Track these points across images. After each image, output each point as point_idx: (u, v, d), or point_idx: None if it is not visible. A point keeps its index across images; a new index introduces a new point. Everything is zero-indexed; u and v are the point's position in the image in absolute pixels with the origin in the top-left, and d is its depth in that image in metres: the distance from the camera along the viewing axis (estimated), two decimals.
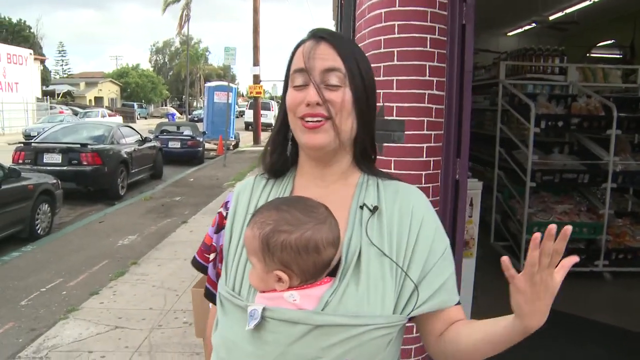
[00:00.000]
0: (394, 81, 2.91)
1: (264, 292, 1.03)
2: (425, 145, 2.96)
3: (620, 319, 4.44)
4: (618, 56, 11.25)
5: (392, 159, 2.96)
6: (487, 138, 6.51)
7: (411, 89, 2.90)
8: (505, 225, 6.00)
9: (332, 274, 1.04)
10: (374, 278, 1.02)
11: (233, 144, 20.90)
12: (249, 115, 30.62)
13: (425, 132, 2.96)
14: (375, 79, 3.10)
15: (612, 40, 11.12)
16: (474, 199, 3.96)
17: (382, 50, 2.93)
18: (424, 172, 2.98)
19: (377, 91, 2.97)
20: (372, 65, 2.97)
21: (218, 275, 1.20)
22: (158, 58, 76.12)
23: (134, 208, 9.29)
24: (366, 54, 3.12)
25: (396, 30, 2.87)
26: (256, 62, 22.59)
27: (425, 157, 2.98)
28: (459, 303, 1.12)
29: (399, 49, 2.88)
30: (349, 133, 1.12)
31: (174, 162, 15.18)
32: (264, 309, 0.99)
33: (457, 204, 3.14)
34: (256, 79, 22.47)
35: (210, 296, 1.24)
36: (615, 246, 5.45)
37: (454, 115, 3.06)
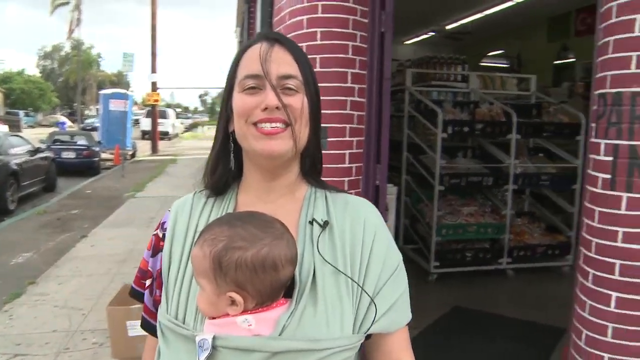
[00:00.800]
0: None
1: (213, 318, 0.95)
2: (347, 151, 2.97)
3: (525, 312, 4.70)
4: (506, 65, 12.05)
5: None
6: (394, 144, 6.66)
7: (333, 95, 2.90)
8: (414, 228, 6.17)
9: (286, 295, 0.97)
10: (331, 298, 0.97)
11: (130, 153, 20.11)
12: (145, 124, 29.63)
13: (347, 138, 2.97)
14: None
15: (501, 51, 11.88)
16: (389, 204, 4.02)
17: None
18: (346, 179, 2.99)
19: None
20: None
21: (156, 303, 1.10)
22: (46, 63, 71.86)
23: (26, 223, 8.65)
24: None
25: (318, 37, 2.86)
26: (154, 69, 21.92)
27: (348, 164, 2.99)
28: (409, 324, 1.08)
29: (321, 55, 2.87)
30: (304, 142, 1.05)
31: (69, 173, 14.30)
32: (214, 337, 0.91)
33: (378, 209, 3.17)
34: (154, 87, 21.82)
35: (148, 327, 1.14)
36: (516, 244, 5.76)
37: (374, 122, 3.10)
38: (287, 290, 0.97)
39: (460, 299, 4.95)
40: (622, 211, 2.22)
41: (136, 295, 1.18)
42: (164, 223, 1.14)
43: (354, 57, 2.93)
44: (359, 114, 3.01)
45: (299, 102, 1.01)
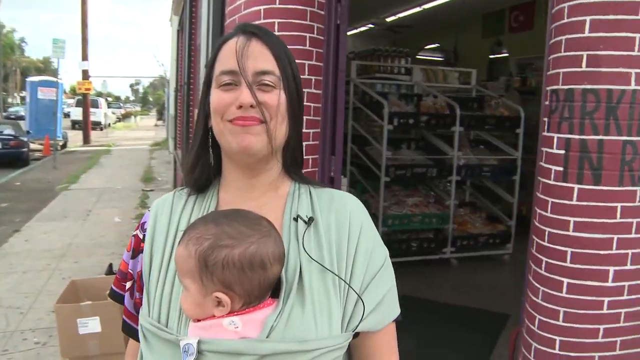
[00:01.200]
0: None
1: (198, 320, 0.91)
2: (304, 143, 2.95)
3: (470, 300, 4.86)
4: (440, 59, 12.38)
5: None
6: None
7: None
8: None
9: (273, 294, 0.95)
10: (318, 297, 0.95)
11: (61, 144, 19.35)
12: (75, 113, 28.54)
13: (304, 130, 2.95)
14: None
15: (437, 45, 12.18)
16: None
17: None
18: (303, 171, 2.98)
19: None
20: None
21: (137, 305, 1.07)
22: None
23: None
24: None
25: (276, 28, 2.83)
26: (85, 57, 21.10)
27: (305, 156, 2.97)
28: (398, 318, 1.07)
29: None
30: (282, 139, 1.02)
31: None
32: (199, 341, 0.88)
33: None
34: (85, 75, 21.03)
35: (130, 330, 1.10)
36: (459, 234, 5.94)
37: (329, 114, 3.12)
38: (274, 289, 0.95)
39: (408, 288, 5.05)
40: (574, 202, 2.32)
41: (116, 297, 1.15)
42: (143, 223, 1.11)
43: (312, 48, 2.92)
44: (315, 106, 3.01)
45: (274, 99, 0.99)
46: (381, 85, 6.31)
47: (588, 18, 2.26)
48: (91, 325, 3.02)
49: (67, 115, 29.11)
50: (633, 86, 2.24)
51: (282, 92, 1.00)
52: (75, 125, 28.51)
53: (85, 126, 22.45)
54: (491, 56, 10.71)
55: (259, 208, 1.01)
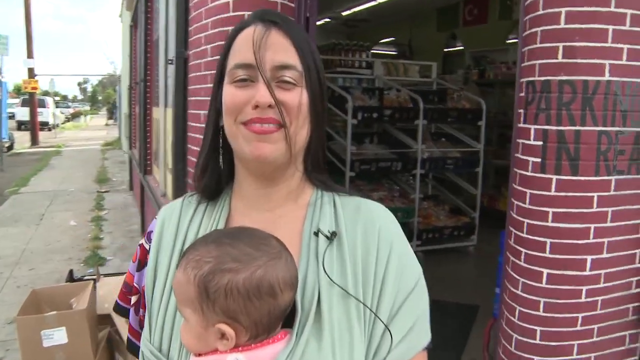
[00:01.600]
0: None
1: (200, 354, 0.81)
2: None
3: (438, 292, 4.88)
4: (394, 53, 12.48)
5: None
6: None
7: None
8: None
9: (286, 323, 0.83)
10: (339, 329, 0.82)
11: (7, 145, 18.64)
12: (21, 114, 27.54)
13: None
14: None
15: (392, 38, 12.26)
16: None
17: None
18: None
19: None
20: (216, 57, 2.80)
21: (141, 323, 0.98)
22: None
23: None
24: (210, 45, 2.93)
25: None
26: (30, 54, 20.37)
27: None
28: (428, 346, 0.93)
29: None
30: (302, 144, 0.90)
31: None
32: None
33: None
34: (31, 73, 20.32)
35: (133, 348, 1.01)
36: (424, 227, 5.98)
37: None
38: (287, 317, 0.83)
39: None
40: (552, 192, 2.34)
41: (120, 310, 1.04)
42: (150, 232, 1.00)
43: None
44: None
45: (295, 98, 0.86)
46: (342, 79, 6.29)
47: (563, 10, 2.28)
48: (57, 336, 2.87)
49: (12, 116, 28.09)
50: (607, 77, 2.27)
51: (304, 90, 0.88)
52: (21, 126, 27.54)
53: (32, 127, 21.66)
54: (446, 49, 10.86)
55: (275, 221, 0.92)
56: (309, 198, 0.95)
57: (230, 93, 0.87)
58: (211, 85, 0.96)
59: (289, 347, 0.79)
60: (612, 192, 2.35)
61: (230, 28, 2.68)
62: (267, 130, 0.84)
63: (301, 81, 0.87)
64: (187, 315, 0.80)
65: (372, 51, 11.40)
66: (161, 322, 0.88)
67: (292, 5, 2.88)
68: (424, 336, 0.91)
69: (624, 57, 2.27)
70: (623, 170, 2.35)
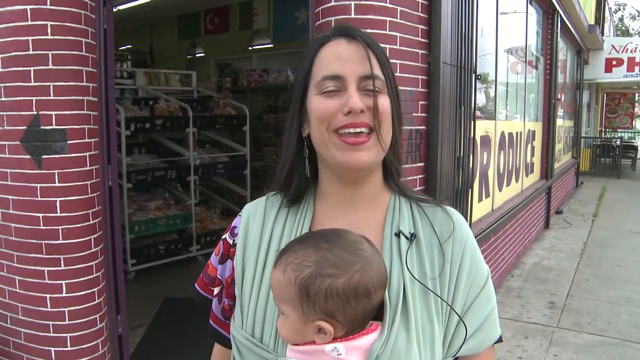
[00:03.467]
0: (51, 87, 2.67)
1: (297, 344, 0.88)
2: (87, 153, 2.84)
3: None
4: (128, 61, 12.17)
5: (56, 171, 2.73)
6: None
7: (71, 95, 2.72)
8: None
9: (375, 317, 0.90)
10: (422, 321, 0.90)
11: None
12: None
13: (86, 140, 2.83)
14: (27, 84, 2.80)
15: (130, 46, 11.95)
16: None
17: (31, 52, 2.63)
18: (89, 182, 2.85)
19: (30, 98, 2.71)
20: (16, 69, 2.68)
21: (224, 312, 1.06)
22: None
23: None
24: (4, 55, 2.77)
25: (49, 31, 2.63)
26: None
27: (89, 166, 2.85)
28: (498, 341, 1.01)
29: (54, 52, 2.65)
30: (388, 147, 0.97)
31: None
32: None
33: (113, 211, 3.11)
34: None
35: (215, 335, 1.10)
36: (201, 231, 6.13)
37: (104, 121, 3.02)
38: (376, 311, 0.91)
39: (166, 291, 5.07)
40: None
41: (199, 297, 1.11)
42: (234, 228, 1.07)
43: (88, 54, 2.79)
44: (94, 114, 2.89)
45: (383, 103, 0.93)
46: None
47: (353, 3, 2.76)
48: None
49: None
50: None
51: (387, 97, 0.95)
52: None
53: None
54: (189, 57, 10.99)
55: (359, 222, 0.98)
56: (387, 201, 1.02)
57: (321, 103, 0.93)
58: None
59: (382, 337, 0.86)
60: None
61: (30, 38, 2.56)
62: (360, 141, 0.91)
63: (384, 89, 0.95)
64: (286, 311, 0.86)
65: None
66: (252, 311, 0.95)
67: (93, 16, 2.84)
68: (494, 331, 0.99)
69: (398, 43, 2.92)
70: None
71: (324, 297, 0.82)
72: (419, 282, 0.92)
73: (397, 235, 0.96)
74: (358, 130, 0.91)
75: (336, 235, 0.88)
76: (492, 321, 0.98)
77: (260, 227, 1.02)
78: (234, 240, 1.05)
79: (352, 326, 0.86)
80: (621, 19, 34.00)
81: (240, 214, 1.10)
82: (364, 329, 0.87)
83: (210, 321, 1.11)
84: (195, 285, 1.12)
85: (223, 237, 1.10)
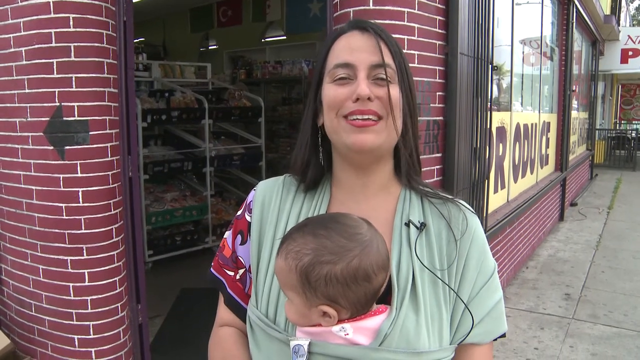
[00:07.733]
0: (73, 79, 2.70)
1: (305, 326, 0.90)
2: (109, 144, 2.88)
3: None
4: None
5: (78, 162, 2.77)
6: None
7: (92, 87, 2.76)
8: None
9: (381, 300, 0.92)
10: (430, 306, 0.93)
11: None
12: None
13: (107, 131, 2.86)
14: (49, 76, 2.82)
15: (142, 39, 12.03)
16: None
17: (54, 44, 2.67)
18: (110, 173, 2.89)
19: (52, 90, 2.74)
20: (39, 61, 2.72)
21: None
22: None
23: None
24: (27, 47, 2.82)
25: (71, 23, 2.66)
26: None
27: (110, 157, 2.89)
28: (503, 335, 1.02)
29: (76, 44, 2.68)
30: (397, 137, 0.99)
31: None
32: (310, 343, 0.87)
33: (133, 201, 3.15)
34: None
35: (231, 303, 1.08)
36: (217, 222, 6.16)
37: (124, 113, 3.05)
38: (382, 295, 0.92)
39: (183, 281, 5.12)
40: None
41: (215, 282, 1.11)
42: (250, 203, 1.08)
43: (109, 46, 2.82)
44: (115, 105, 2.92)
45: (394, 92, 0.95)
46: None
47: None
48: None
49: None
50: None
51: (397, 87, 0.97)
52: None
53: None
54: (202, 49, 11.04)
55: (368, 210, 1.00)
56: (398, 192, 1.04)
57: (332, 90, 0.96)
58: None
59: (391, 318, 0.89)
60: None
61: (52, 30, 2.60)
62: (367, 124, 0.94)
63: (395, 78, 0.96)
64: (291, 297, 0.88)
65: None
66: (267, 293, 0.97)
67: (114, 8, 2.86)
68: (500, 325, 1.01)
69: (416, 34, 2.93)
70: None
71: (324, 284, 0.84)
72: (428, 269, 0.94)
73: (407, 225, 0.99)
74: (366, 117, 0.94)
75: (334, 221, 0.90)
76: (499, 313, 1.00)
77: (277, 206, 1.05)
78: (251, 217, 1.07)
79: (356, 309, 0.88)
80: (638, 9, 33.61)
81: (254, 189, 1.11)
82: (370, 311, 0.89)
83: (230, 290, 1.09)
84: (211, 269, 1.13)
85: (239, 215, 1.10)
